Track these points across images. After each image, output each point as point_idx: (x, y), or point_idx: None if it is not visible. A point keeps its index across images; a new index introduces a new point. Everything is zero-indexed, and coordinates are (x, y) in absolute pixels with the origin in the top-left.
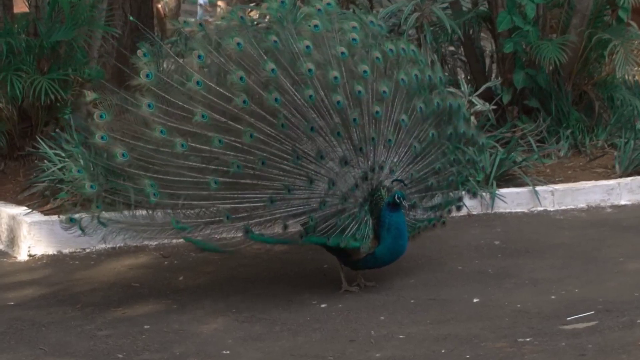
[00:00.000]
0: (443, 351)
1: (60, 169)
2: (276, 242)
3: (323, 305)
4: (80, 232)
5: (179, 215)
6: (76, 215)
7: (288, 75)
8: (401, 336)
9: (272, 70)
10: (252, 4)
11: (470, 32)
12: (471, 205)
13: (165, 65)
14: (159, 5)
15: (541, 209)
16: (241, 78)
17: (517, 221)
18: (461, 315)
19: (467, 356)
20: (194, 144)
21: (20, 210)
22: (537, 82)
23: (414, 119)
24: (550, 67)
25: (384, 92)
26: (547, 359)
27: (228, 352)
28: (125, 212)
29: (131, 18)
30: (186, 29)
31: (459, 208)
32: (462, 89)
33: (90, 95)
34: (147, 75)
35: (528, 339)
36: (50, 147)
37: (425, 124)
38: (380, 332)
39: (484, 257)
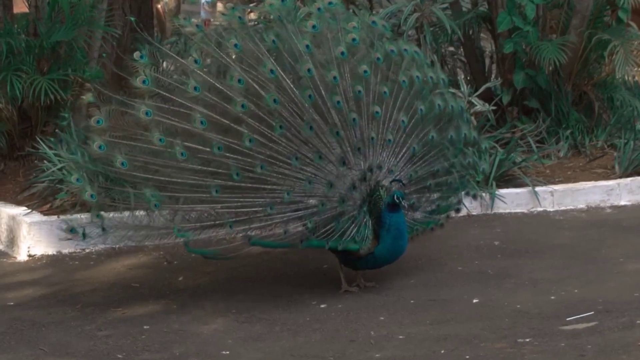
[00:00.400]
0: (443, 351)
1: (60, 169)
2: (276, 247)
3: (323, 306)
4: (82, 239)
5: (179, 219)
6: (76, 225)
7: (287, 76)
8: (401, 336)
9: (271, 71)
10: (251, 4)
11: (470, 32)
12: (471, 205)
13: (165, 65)
14: (159, 6)
15: (541, 209)
16: (239, 80)
17: (516, 222)
18: (461, 316)
19: (467, 356)
20: (193, 151)
21: (20, 210)
22: (536, 82)
23: (413, 120)
24: (550, 68)
25: (384, 92)
26: None
27: (228, 352)
28: (126, 216)
29: (132, 18)
30: (186, 28)
31: (457, 210)
32: (462, 89)
33: (87, 97)
34: (144, 82)
35: (528, 340)
36: (50, 148)
37: (425, 126)
38: (380, 333)
39: (483, 258)
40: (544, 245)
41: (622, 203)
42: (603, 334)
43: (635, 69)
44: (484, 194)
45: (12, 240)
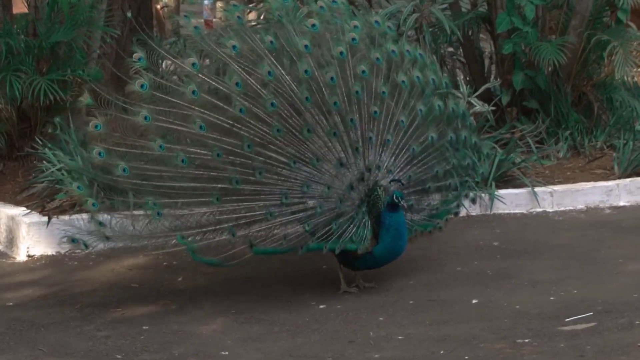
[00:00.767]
0: (442, 352)
1: (59, 170)
2: (278, 253)
3: (322, 306)
4: (84, 249)
5: (180, 226)
6: (77, 235)
7: (285, 77)
8: (400, 337)
9: (269, 72)
10: (251, 5)
11: (470, 33)
12: (470, 206)
13: (164, 66)
14: (158, 6)
15: (540, 210)
16: (237, 84)
17: (516, 222)
18: (460, 316)
19: (466, 357)
20: (193, 158)
21: (19, 210)
22: (536, 83)
23: (413, 120)
24: (550, 68)
25: (383, 92)
26: None
27: (227, 352)
28: (128, 224)
29: (129, 15)
30: (184, 28)
31: (456, 214)
32: (461, 90)
33: (85, 100)
34: (142, 86)
35: (527, 340)
36: (49, 148)
37: (424, 126)
38: (380, 333)
39: (483, 258)
40: (544, 245)
41: (622, 204)
42: (602, 334)
43: (635, 69)
44: (483, 195)
45: (11, 241)
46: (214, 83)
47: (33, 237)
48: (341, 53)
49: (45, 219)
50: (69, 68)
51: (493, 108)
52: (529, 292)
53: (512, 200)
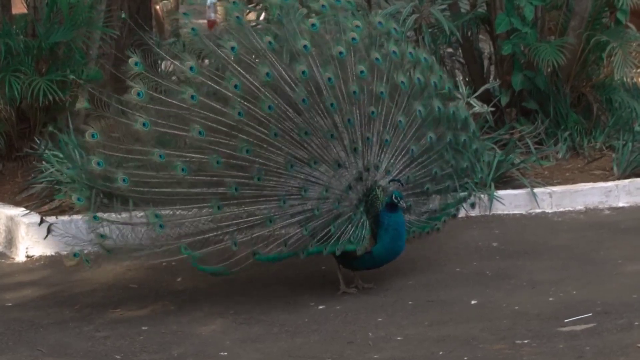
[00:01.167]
0: (441, 353)
1: (58, 170)
2: (280, 259)
3: (321, 307)
4: (87, 263)
5: (181, 234)
6: (79, 249)
7: (283, 78)
8: (399, 338)
9: (267, 74)
10: (250, 5)
11: (469, 33)
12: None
13: (163, 66)
14: (158, 7)
15: (539, 210)
16: (236, 86)
17: (515, 223)
18: (460, 317)
19: (466, 358)
20: (194, 166)
21: (18, 211)
22: (535, 84)
23: (412, 121)
24: (549, 69)
25: (381, 92)
26: None
27: (226, 353)
28: (130, 237)
29: (123, 16)
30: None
31: (454, 216)
32: (461, 90)
33: (82, 103)
34: (139, 94)
35: (526, 341)
36: (49, 149)
37: (423, 128)
38: (379, 334)
39: (482, 259)
40: (543, 246)
41: (621, 204)
42: (601, 335)
43: (634, 70)
44: (482, 196)
45: (10, 241)
46: (213, 85)
47: (32, 238)
48: (340, 53)
49: (45, 218)
50: (68, 68)
51: (492, 109)
52: (528, 293)
53: (511, 201)
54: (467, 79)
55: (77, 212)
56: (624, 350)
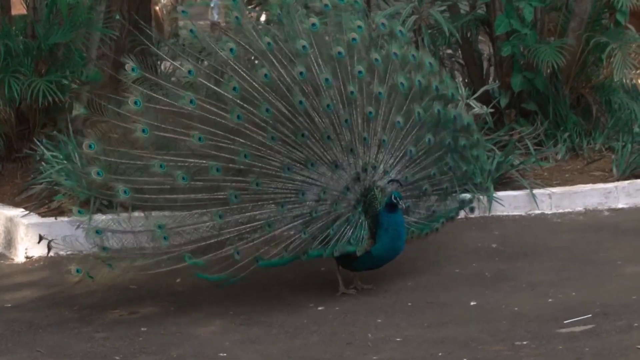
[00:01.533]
0: (440, 354)
1: (57, 171)
2: (283, 263)
3: (320, 308)
4: (90, 279)
5: (184, 242)
6: (81, 266)
7: (280, 80)
8: (398, 339)
9: (265, 75)
10: (250, 6)
11: (468, 35)
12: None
13: (162, 67)
14: (157, 8)
15: (539, 212)
16: (234, 89)
17: (514, 224)
18: (459, 319)
19: (465, 359)
20: (194, 174)
21: (17, 212)
22: (534, 85)
23: (410, 122)
24: (548, 71)
25: (380, 93)
26: None
27: (225, 354)
28: (130, 240)
29: (117, 16)
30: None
31: (452, 219)
32: (460, 92)
33: (79, 110)
34: (135, 103)
35: (525, 342)
36: (48, 149)
37: (422, 129)
38: (378, 335)
39: (481, 260)
40: (542, 248)
41: (620, 206)
42: (601, 337)
43: (633, 71)
44: (481, 197)
45: (9, 242)
46: (212, 87)
47: (31, 239)
48: (339, 53)
49: (44, 220)
50: (68, 69)
51: (492, 110)
52: (527, 295)
53: (510, 202)
54: (466, 80)
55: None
56: (623, 352)
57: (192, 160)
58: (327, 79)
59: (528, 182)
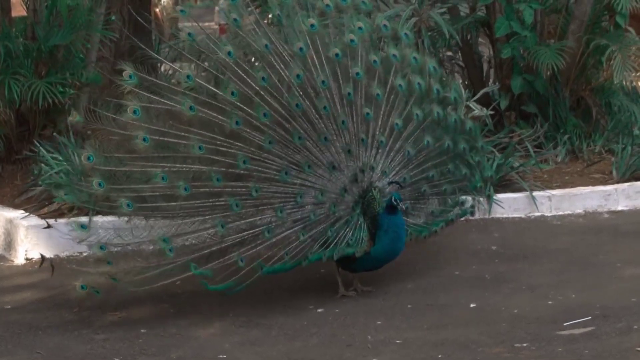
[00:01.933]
0: (440, 356)
1: (57, 173)
2: (286, 269)
3: (320, 310)
4: (96, 294)
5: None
6: (87, 283)
7: (277, 83)
8: (398, 341)
9: (263, 78)
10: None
11: (468, 37)
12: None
13: (162, 69)
14: (157, 10)
15: (538, 214)
16: (233, 93)
17: (514, 226)
18: (458, 321)
19: None
20: (196, 185)
21: (17, 213)
22: (534, 87)
23: (409, 124)
24: (548, 73)
25: (377, 95)
26: None
27: (225, 356)
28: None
29: (112, 18)
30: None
31: (452, 221)
32: (462, 95)
33: (75, 118)
34: (134, 112)
35: (525, 344)
36: (48, 151)
37: (421, 131)
38: (378, 337)
39: (481, 263)
40: (542, 250)
41: (620, 208)
42: (600, 339)
43: (633, 74)
44: (481, 199)
45: (9, 244)
46: (211, 88)
47: (31, 240)
48: (336, 55)
49: (44, 222)
50: (68, 71)
51: (491, 112)
52: (527, 297)
53: (510, 205)
54: (466, 83)
55: (76, 215)
56: (622, 354)
57: (192, 166)
58: (323, 81)
59: (528, 184)
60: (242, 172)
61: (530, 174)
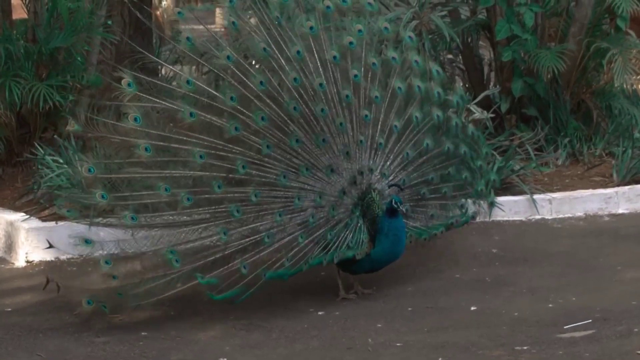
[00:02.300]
0: (440, 359)
1: (58, 175)
2: (290, 275)
3: (320, 313)
4: (104, 309)
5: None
6: (91, 299)
7: (275, 87)
8: (398, 344)
9: (261, 82)
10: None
11: (469, 40)
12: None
13: (163, 72)
14: (158, 12)
15: (539, 217)
16: (232, 98)
17: (514, 229)
18: (459, 324)
19: None
20: (198, 195)
21: (18, 216)
22: (535, 90)
23: (408, 126)
24: (549, 76)
25: (376, 97)
26: None
27: (225, 359)
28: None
29: (109, 22)
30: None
31: (451, 226)
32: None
33: (73, 127)
34: (135, 120)
35: (525, 347)
36: (49, 154)
37: (420, 133)
38: (378, 340)
39: (481, 265)
40: (542, 253)
41: (620, 211)
42: (601, 342)
43: (634, 77)
44: (482, 202)
45: (10, 246)
46: (210, 91)
47: (32, 243)
48: (334, 57)
49: (44, 224)
50: (69, 74)
51: (492, 115)
52: (527, 300)
53: (510, 208)
54: (467, 86)
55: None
56: (623, 357)
57: (193, 172)
58: (321, 84)
59: (528, 187)
60: (241, 177)
61: (530, 177)
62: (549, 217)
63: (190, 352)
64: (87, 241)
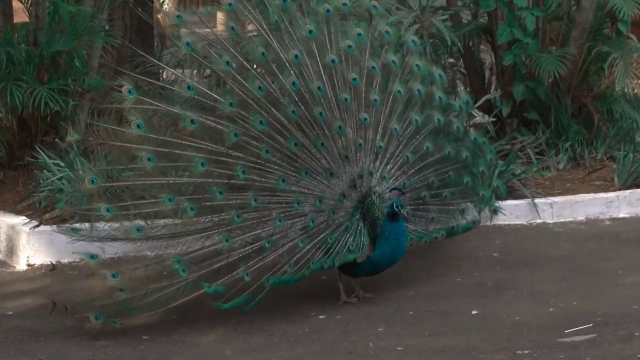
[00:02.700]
0: None
1: (59, 179)
2: (294, 281)
3: (322, 317)
4: (113, 324)
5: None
6: (97, 312)
7: (274, 90)
8: (400, 348)
9: (260, 87)
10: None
11: (470, 44)
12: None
13: (164, 76)
14: (159, 16)
15: (540, 221)
16: (231, 104)
17: (516, 233)
18: (460, 328)
19: None
20: (201, 204)
21: (19, 219)
22: (536, 94)
23: (408, 129)
24: (550, 80)
25: (375, 100)
26: None
27: None
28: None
29: (106, 27)
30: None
31: (454, 229)
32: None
33: (73, 136)
34: (138, 127)
35: (526, 352)
36: (50, 157)
37: (421, 137)
38: (379, 344)
39: (482, 269)
40: (543, 257)
41: (621, 215)
42: (602, 346)
43: (635, 81)
44: (484, 208)
45: (11, 250)
46: (212, 96)
47: (33, 246)
48: (332, 61)
49: (45, 228)
50: (70, 77)
51: (493, 119)
52: (528, 304)
53: (512, 212)
54: (468, 89)
55: (78, 222)
56: None
57: (195, 179)
58: (319, 87)
59: (529, 191)
60: (242, 182)
61: (531, 180)
62: (550, 221)
63: (191, 355)
64: (93, 256)
